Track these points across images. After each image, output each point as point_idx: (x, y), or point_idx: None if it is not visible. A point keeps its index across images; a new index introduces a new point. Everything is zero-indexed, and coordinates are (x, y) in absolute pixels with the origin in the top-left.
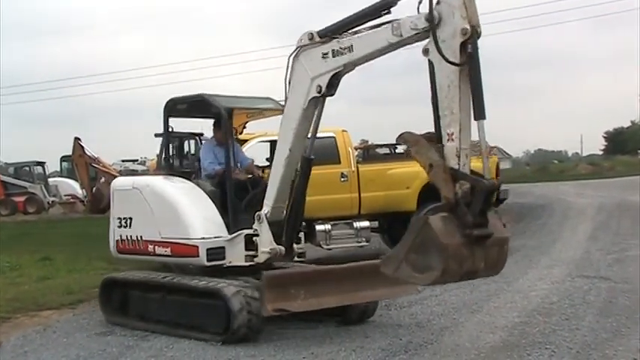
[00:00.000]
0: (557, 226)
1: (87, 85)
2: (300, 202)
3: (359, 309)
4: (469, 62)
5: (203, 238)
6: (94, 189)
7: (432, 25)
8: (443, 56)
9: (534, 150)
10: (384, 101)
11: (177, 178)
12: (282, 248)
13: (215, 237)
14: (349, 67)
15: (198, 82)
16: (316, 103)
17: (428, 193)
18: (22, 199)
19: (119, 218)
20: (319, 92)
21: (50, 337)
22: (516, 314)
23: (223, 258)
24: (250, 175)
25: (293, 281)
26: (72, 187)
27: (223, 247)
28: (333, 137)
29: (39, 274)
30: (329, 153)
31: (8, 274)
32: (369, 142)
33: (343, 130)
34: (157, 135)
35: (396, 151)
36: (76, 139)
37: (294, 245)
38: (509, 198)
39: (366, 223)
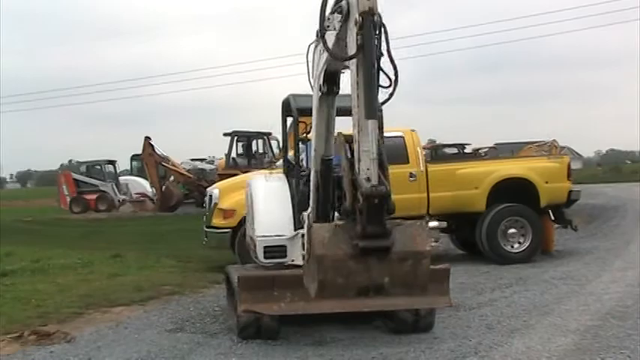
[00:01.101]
0: (630, 228)
1: (155, 85)
2: (323, 203)
3: (408, 319)
4: (358, 55)
5: (263, 236)
6: (164, 187)
7: (322, 12)
8: (327, 49)
9: (606, 150)
10: (453, 101)
11: (280, 175)
12: None
13: (276, 235)
14: (332, 65)
15: (265, 82)
16: (325, 102)
17: (497, 193)
18: (93, 197)
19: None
20: (320, 90)
21: (122, 333)
22: (589, 317)
23: (284, 256)
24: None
25: (272, 284)
26: (142, 185)
27: (284, 246)
28: (402, 137)
29: (110, 271)
30: (398, 153)
31: (80, 271)
32: (437, 142)
33: (412, 130)
34: (225, 134)
35: (465, 151)
36: (146, 138)
37: None
38: (581, 199)
39: (434, 224)
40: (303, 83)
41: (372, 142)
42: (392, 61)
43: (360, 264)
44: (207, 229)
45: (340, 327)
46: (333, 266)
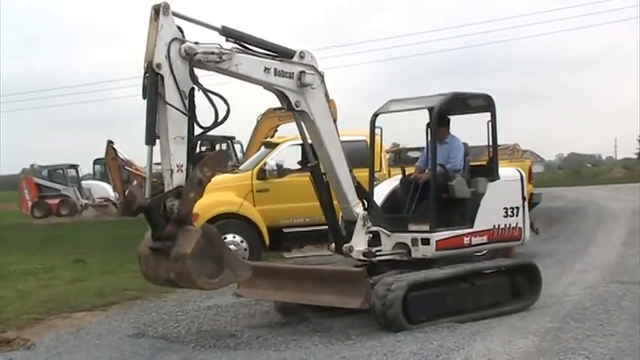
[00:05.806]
0: (590, 231)
1: (118, 88)
2: (321, 205)
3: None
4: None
5: None
6: (127, 192)
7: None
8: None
9: (567, 153)
10: None
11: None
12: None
13: None
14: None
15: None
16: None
17: None
18: (55, 201)
19: None
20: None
21: (83, 339)
22: (549, 319)
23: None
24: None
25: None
26: (105, 189)
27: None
28: (364, 141)
29: (72, 276)
30: (360, 156)
31: (41, 276)
32: (401, 146)
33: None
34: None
35: None
36: (109, 142)
37: (345, 245)
38: (542, 202)
39: None
40: None
41: (148, 165)
42: (209, 98)
43: (157, 260)
44: None
45: (305, 331)
46: (143, 260)
